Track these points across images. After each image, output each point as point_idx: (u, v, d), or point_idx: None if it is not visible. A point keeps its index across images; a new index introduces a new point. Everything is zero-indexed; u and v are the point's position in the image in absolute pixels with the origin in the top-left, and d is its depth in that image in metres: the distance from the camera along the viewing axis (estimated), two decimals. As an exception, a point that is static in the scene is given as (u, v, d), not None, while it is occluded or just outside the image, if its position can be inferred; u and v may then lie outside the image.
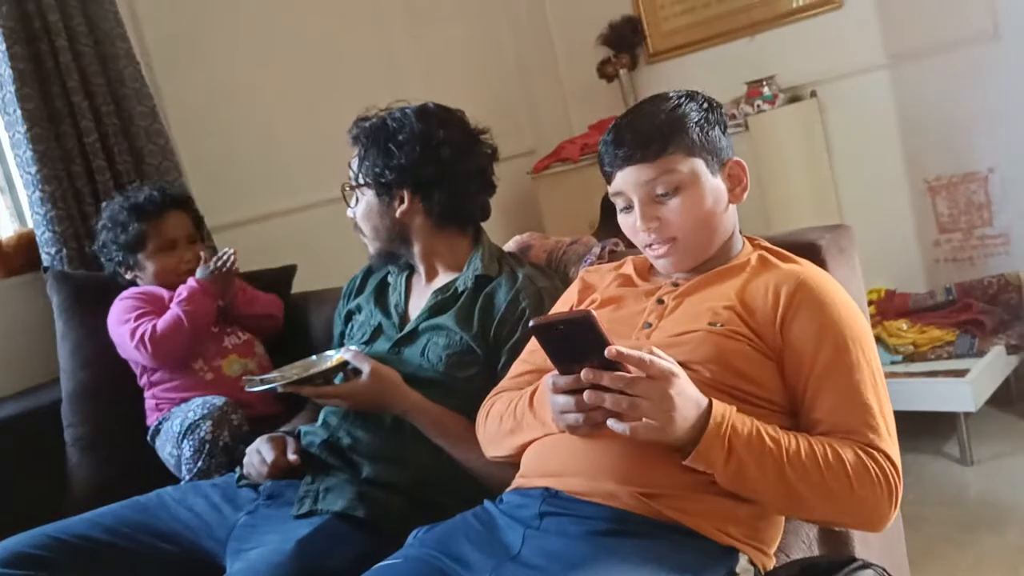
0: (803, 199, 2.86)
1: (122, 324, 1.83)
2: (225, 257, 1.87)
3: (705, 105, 1.27)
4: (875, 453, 1.06)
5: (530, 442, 1.23)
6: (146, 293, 1.89)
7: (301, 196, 2.69)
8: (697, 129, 1.22)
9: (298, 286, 2.26)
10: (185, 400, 1.79)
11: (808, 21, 2.91)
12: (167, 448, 1.73)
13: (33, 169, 2.07)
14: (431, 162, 1.54)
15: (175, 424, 1.71)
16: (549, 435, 1.19)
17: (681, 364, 1.11)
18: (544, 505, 1.12)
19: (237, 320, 1.98)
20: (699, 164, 1.22)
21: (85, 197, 2.15)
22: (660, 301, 1.26)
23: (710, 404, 1.03)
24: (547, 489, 1.14)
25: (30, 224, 2.16)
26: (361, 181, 1.58)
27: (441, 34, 3.26)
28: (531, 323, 1.03)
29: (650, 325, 1.24)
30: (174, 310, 1.82)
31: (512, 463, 1.27)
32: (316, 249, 2.51)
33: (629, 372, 1.01)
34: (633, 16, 3.28)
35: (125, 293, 1.90)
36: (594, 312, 1.02)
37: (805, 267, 1.24)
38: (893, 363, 2.62)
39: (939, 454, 2.49)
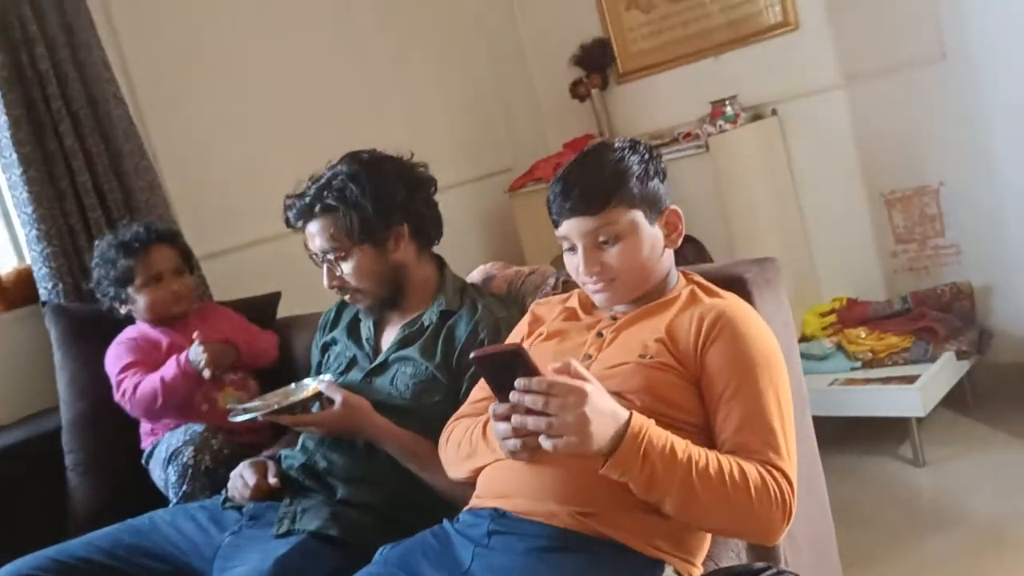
0: (767, 213, 2.99)
1: (112, 369, 1.96)
2: (202, 363, 1.91)
3: (646, 156, 1.39)
4: (775, 472, 1.17)
5: (483, 466, 1.36)
6: (141, 338, 2.00)
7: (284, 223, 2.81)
8: (638, 183, 1.34)
9: (282, 311, 2.39)
10: (179, 426, 1.91)
11: (767, 42, 3.04)
12: (157, 471, 1.87)
13: (29, 209, 2.19)
14: (413, 192, 1.68)
15: (162, 450, 1.84)
16: (499, 460, 1.32)
17: (615, 394, 1.24)
18: (492, 524, 1.25)
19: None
20: (638, 215, 1.35)
21: (79, 234, 2.27)
22: (599, 334, 1.39)
23: (630, 417, 1.13)
24: (496, 509, 1.27)
25: (28, 260, 2.29)
26: (357, 240, 1.63)
27: (420, 58, 3.38)
28: (471, 355, 1.15)
29: (590, 357, 1.37)
30: (154, 382, 1.91)
31: (471, 484, 1.41)
32: (299, 274, 2.63)
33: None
34: (603, 38, 3.41)
35: (122, 336, 2.01)
36: (526, 345, 1.14)
37: (728, 300, 1.37)
38: (853, 369, 2.76)
39: (894, 456, 2.62)
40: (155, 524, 1.63)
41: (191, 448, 1.78)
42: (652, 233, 1.37)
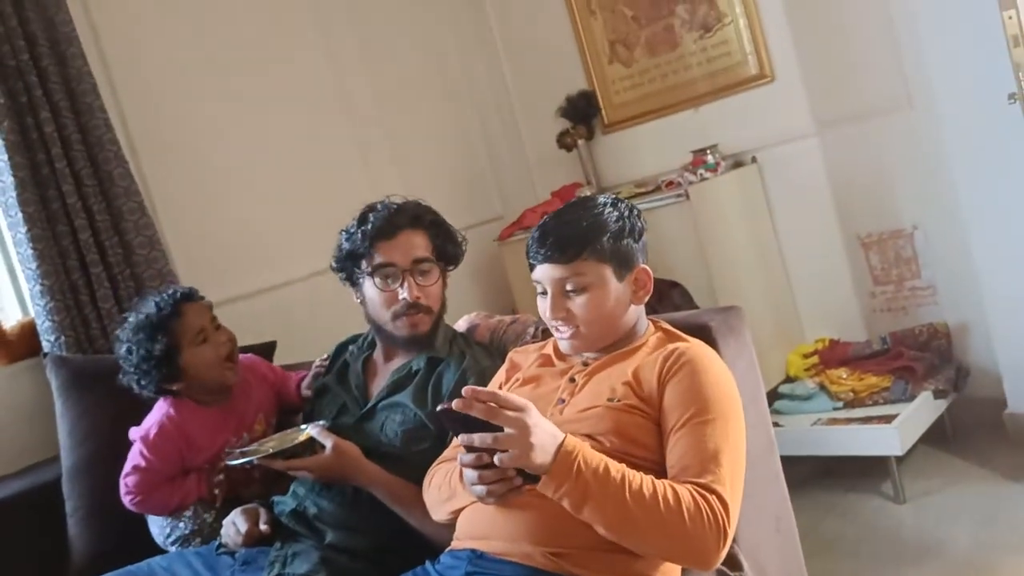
0: (748, 258, 3.07)
1: (131, 455, 1.87)
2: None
3: (626, 214, 1.47)
4: (710, 496, 1.22)
5: (462, 508, 1.42)
6: (178, 431, 1.86)
7: (280, 274, 2.91)
8: (611, 239, 1.43)
9: (278, 359, 2.46)
10: None
11: (745, 93, 3.14)
12: (154, 527, 1.91)
13: (33, 265, 2.28)
14: None
15: (157, 529, 1.90)
16: (476, 503, 1.38)
17: (587, 436, 1.33)
18: (470, 566, 1.32)
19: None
20: (607, 270, 1.43)
21: (80, 289, 2.36)
22: (572, 379, 1.47)
23: (565, 437, 1.21)
24: (473, 551, 1.34)
25: (32, 313, 2.37)
26: (442, 260, 1.80)
27: (410, 112, 3.51)
28: (437, 408, 1.22)
29: (563, 401, 1.45)
30: (167, 503, 1.86)
31: (454, 526, 1.47)
32: (294, 324, 2.73)
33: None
34: (588, 90, 3.52)
35: (165, 422, 1.86)
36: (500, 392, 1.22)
37: (691, 344, 1.44)
38: (835, 409, 2.82)
39: (876, 493, 2.67)
40: (152, 570, 1.69)
41: (198, 540, 1.85)
42: (618, 288, 1.45)
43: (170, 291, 1.90)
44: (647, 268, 1.49)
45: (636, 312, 1.50)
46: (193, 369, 1.84)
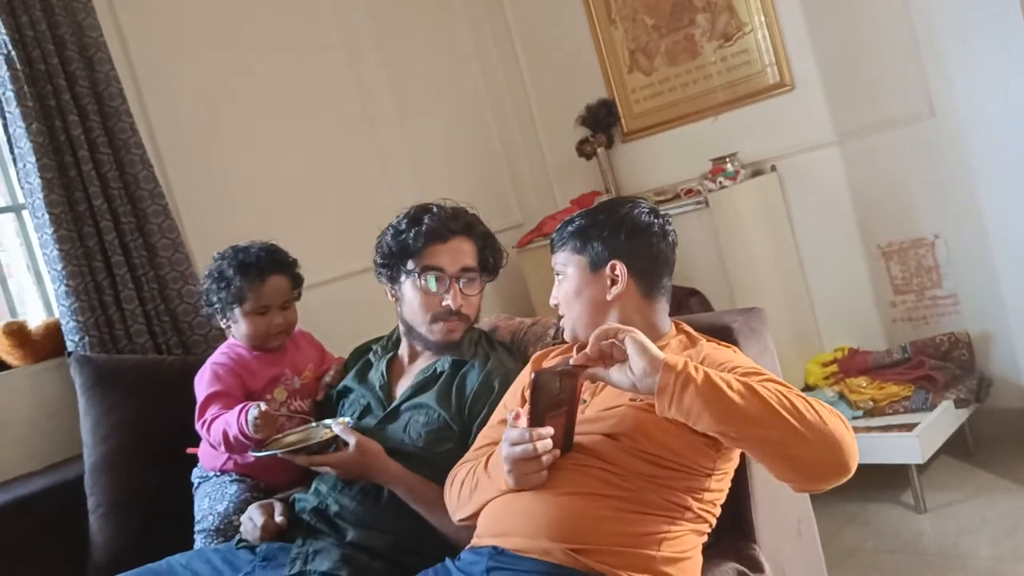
0: (767, 266, 3.07)
1: (199, 391, 1.93)
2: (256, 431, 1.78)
3: (624, 212, 1.52)
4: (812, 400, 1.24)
5: (486, 503, 1.43)
6: (235, 361, 1.96)
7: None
8: (584, 238, 1.52)
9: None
10: (222, 474, 1.95)
11: (765, 102, 3.15)
12: (197, 502, 1.93)
13: (59, 266, 2.31)
14: None
15: (201, 519, 1.90)
16: (499, 496, 1.39)
17: (609, 435, 1.34)
18: (491, 561, 1.33)
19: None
20: (582, 261, 1.52)
21: (105, 289, 2.38)
22: (593, 379, 1.48)
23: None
24: (494, 547, 1.35)
25: (56, 313, 2.40)
26: (484, 271, 1.84)
27: (431, 120, 3.54)
28: (533, 372, 1.28)
29: (585, 401, 1.46)
30: (220, 429, 1.83)
31: (475, 527, 1.48)
32: (315, 325, 2.74)
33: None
34: (608, 99, 3.54)
35: (217, 356, 1.99)
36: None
37: (714, 343, 1.46)
38: (854, 418, 2.80)
39: (897, 503, 2.66)
40: (172, 568, 1.70)
41: (211, 528, 1.85)
42: (590, 281, 1.51)
43: (276, 255, 2.00)
44: (617, 264, 1.50)
45: (620, 312, 1.50)
46: (241, 326, 1.97)
